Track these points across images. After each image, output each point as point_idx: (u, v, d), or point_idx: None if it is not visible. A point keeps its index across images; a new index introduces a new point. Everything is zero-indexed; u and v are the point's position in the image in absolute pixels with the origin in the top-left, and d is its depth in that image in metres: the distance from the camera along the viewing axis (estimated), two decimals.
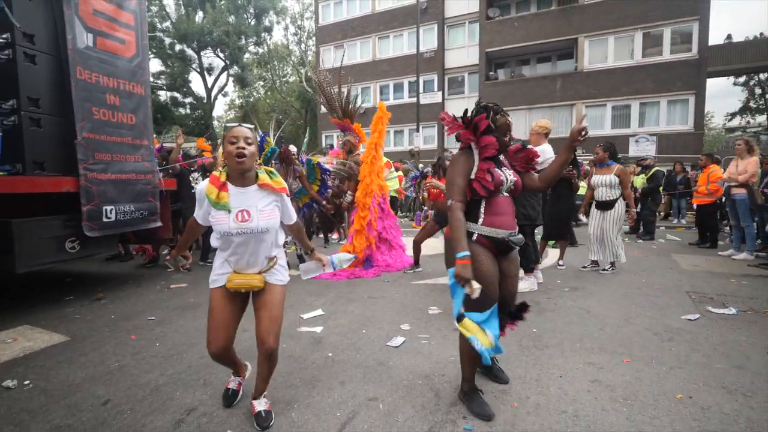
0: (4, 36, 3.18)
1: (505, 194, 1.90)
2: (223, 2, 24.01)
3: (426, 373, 2.31)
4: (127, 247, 5.86)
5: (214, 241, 1.81)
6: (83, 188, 3.54)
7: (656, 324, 3.07)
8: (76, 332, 3.03)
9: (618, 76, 14.19)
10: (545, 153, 4.00)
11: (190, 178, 5.46)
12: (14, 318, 3.32)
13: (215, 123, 27.38)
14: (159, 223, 4.34)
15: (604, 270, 4.78)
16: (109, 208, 3.76)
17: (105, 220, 3.73)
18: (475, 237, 1.83)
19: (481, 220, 1.84)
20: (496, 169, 1.85)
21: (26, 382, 2.27)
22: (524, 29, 15.57)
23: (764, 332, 2.86)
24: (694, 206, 7.30)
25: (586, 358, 2.49)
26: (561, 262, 5.11)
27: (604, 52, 14.53)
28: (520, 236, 1.90)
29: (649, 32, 13.84)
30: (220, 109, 32.10)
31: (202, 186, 1.73)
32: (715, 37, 34.20)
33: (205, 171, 5.69)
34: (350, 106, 5.35)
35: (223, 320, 1.77)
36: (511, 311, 1.98)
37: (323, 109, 20.70)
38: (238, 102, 33.47)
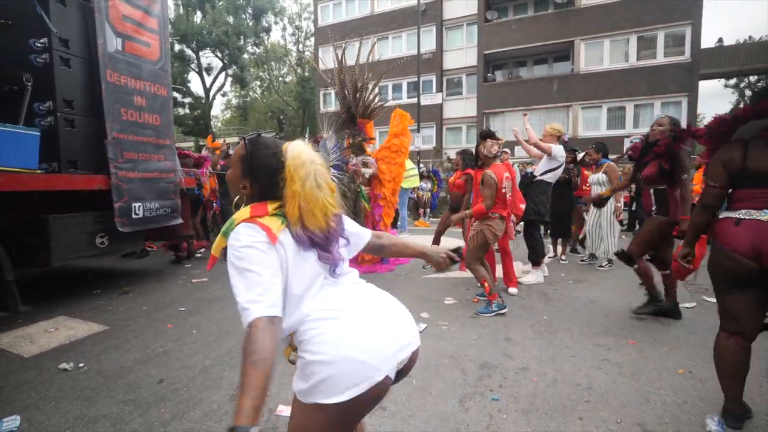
0: (41, 41, 3.34)
1: None
2: (222, 3, 24.10)
3: (451, 353, 2.53)
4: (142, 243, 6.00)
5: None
6: (114, 186, 3.70)
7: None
8: (112, 322, 3.21)
9: (613, 78, 14.51)
10: (559, 152, 4.21)
11: None
12: (49, 309, 3.48)
13: (214, 122, 27.47)
14: (180, 220, 4.51)
15: (600, 266, 4.98)
16: (137, 205, 3.93)
17: (134, 216, 3.90)
18: None
19: None
20: None
21: (81, 365, 2.44)
22: (522, 32, 15.87)
23: None
24: None
25: (594, 341, 2.72)
26: (564, 257, 5.35)
27: (599, 54, 14.85)
28: None
29: (644, 36, 14.18)
30: (217, 108, 32.02)
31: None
32: (713, 37, 34.77)
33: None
34: (371, 105, 5.12)
35: None
36: None
37: (322, 109, 20.97)
38: (234, 102, 33.50)
